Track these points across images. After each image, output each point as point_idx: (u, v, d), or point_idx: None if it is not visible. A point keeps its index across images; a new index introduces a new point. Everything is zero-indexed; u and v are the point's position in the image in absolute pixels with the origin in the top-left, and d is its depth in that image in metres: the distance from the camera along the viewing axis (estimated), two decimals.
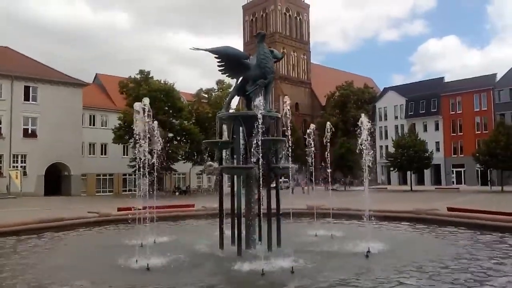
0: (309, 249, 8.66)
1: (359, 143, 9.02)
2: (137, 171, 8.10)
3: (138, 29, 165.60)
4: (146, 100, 7.88)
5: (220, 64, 8.79)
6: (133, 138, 8.23)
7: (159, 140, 9.83)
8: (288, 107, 8.51)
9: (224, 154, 9.15)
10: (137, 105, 7.95)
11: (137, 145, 8.02)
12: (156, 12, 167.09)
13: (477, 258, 7.82)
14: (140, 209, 11.32)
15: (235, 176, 8.58)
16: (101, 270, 7.38)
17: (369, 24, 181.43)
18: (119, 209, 14.07)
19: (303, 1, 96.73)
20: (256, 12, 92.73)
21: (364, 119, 8.98)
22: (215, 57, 8.68)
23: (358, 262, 7.52)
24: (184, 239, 10.13)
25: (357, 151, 9.11)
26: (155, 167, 8.52)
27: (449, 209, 13.56)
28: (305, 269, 6.93)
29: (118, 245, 8.90)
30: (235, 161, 8.74)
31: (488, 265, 7.28)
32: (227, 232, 8.75)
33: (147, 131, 7.87)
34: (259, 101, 7.61)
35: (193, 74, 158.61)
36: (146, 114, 7.79)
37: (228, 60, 8.58)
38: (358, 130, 9.03)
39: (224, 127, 9.47)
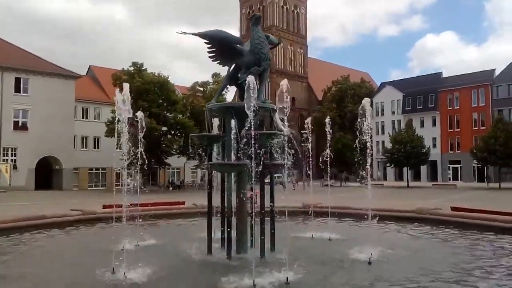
0: (306, 254, 7.90)
1: (362, 123, 8.11)
2: (115, 165, 7.33)
3: (137, 24, 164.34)
4: (126, 86, 7.11)
5: (210, 50, 8.01)
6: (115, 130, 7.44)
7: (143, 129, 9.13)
8: (285, 92, 7.54)
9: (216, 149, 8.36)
10: (118, 94, 7.16)
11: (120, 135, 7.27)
12: (154, 6, 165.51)
13: (491, 272, 6.98)
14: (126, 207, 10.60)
15: (226, 174, 7.79)
16: (69, 280, 6.50)
17: (368, 20, 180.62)
18: (104, 207, 13.28)
19: None
20: (253, 5, 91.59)
21: (366, 102, 8.15)
22: (205, 42, 7.90)
23: (360, 271, 6.77)
24: (170, 242, 9.32)
25: (358, 137, 8.23)
26: (138, 155, 7.79)
27: (453, 208, 12.86)
28: (302, 281, 6.15)
29: (96, 249, 8.07)
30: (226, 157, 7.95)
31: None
32: (218, 233, 8.00)
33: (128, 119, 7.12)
34: (251, 79, 6.57)
35: (192, 68, 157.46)
36: (127, 102, 7.03)
37: (219, 44, 7.77)
38: (360, 116, 8.17)
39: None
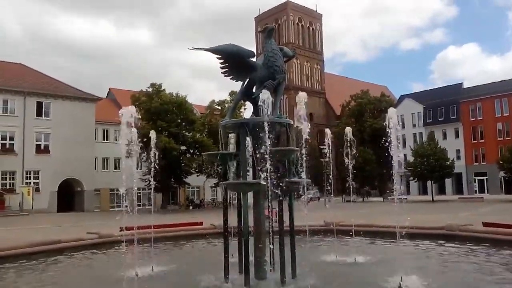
0: (330, 280, 7.34)
1: (386, 129, 7.47)
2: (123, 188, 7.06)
3: (159, 45, 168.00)
4: (132, 109, 6.91)
5: (222, 65, 7.70)
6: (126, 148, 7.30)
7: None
8: (303, 106, 7.13)
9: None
10: (123, 112, 6.96)
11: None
12: (174, 28, 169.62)
13: None
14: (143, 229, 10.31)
15: (242, 193, 7.36)
16: None
17: (388, 34, 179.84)
18: (121, 229, 12.95)
19: (316, 11, 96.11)
20: (268, 23, 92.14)
21: (391, 111, 7.60)
22: (217, 58, 7.60)
23: None
24: (185, 267, 8.87)
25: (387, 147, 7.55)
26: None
27: (485, 224, 12.09)
28: None
29: (109, 277, 7.67)
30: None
31: None
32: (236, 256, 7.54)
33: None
34: (265, 94, 6.20)
35: (211, 87, 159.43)
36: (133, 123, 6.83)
37: (231, 59, 7.45)
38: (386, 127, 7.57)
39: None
